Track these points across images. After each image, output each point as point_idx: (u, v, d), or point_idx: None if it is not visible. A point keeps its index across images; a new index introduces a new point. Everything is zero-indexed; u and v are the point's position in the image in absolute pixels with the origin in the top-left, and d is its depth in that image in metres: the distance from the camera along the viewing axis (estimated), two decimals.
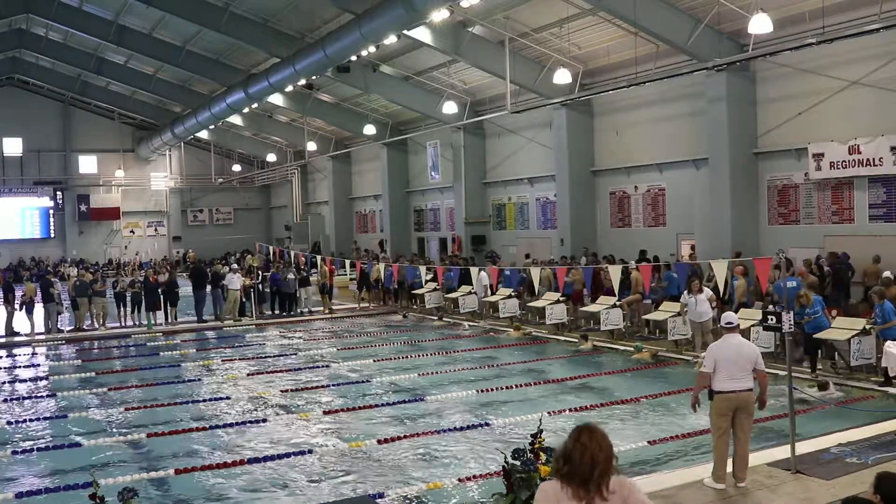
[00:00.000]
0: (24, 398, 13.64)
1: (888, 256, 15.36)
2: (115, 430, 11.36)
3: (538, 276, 19.36)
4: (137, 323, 22.24)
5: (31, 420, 12.03)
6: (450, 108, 25.23)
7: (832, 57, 16.55)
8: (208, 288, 23.40)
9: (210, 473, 9.12)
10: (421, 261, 27.79)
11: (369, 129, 31.13)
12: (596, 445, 4.01)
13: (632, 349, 16.00)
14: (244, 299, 23.30)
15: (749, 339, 14.16)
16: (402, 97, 28.48)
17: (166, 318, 22.49)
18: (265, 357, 17.43)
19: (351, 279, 26.12)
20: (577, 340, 17.30)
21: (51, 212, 45.10)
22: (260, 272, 25.73)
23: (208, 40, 29.15)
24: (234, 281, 22.88)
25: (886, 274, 13.97)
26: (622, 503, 3.98)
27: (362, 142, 35.60)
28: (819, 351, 14.12)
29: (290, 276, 24.39)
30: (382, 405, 12.29)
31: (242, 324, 22.62)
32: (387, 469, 9.23)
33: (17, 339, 20.61)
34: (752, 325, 14.08)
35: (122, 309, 22.43)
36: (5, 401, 13.49)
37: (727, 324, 7.98)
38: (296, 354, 17.60)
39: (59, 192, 45.14)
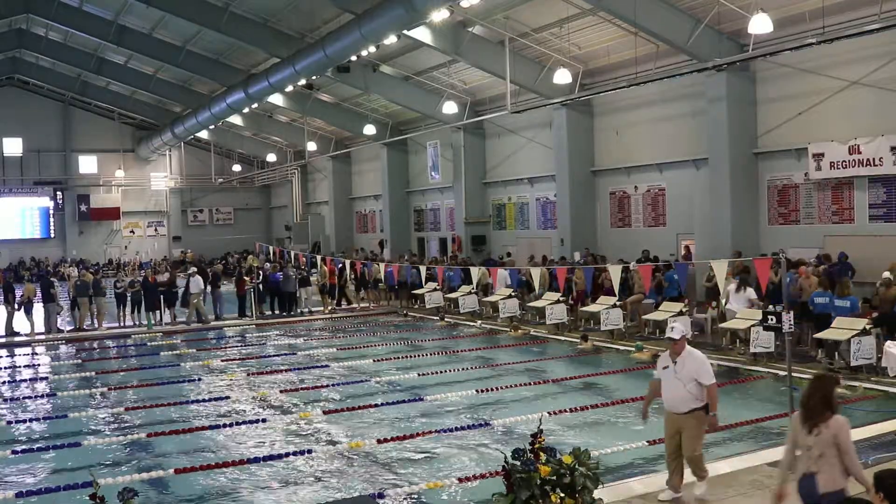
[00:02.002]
0: (24, 398, 13.63)
1: (888, 256, 15.32)
2: (115, 430, 11.37)
3: (538, 276, 19.36)
4: (137, 323, 22.25)
5: (31, 420, 12.03)
6: (450, 108, 25.23)
7: (832, 57, 16.54)
8: (209, 288, 23.42)
9: (210, 473, 9.11)
10: (422, 259, 27.82)
11: (369, 129, 31.13)
12: (810, 390, 5.58)
13: (632, 349, 16.01)
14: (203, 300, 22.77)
15: (749, 339, 14.30)
16: (402, 97, 28.47)
17: (184, 314, 22.52)
18: (265, 357, 17.43)
19: (350, 279, 26.12)
20: (577, 340, 17.31)
21: (51, 212, 45.09)
22: (260, 272, 25.74)
23: (208, 40, 29.15)
24: (194, 284, 22.34)
25: (886, 274, 13.95)
26: (832, 439, 5.38)
27: (362, 142, 35.60)
28: (819, 351, 14.18)
29: (291, 274, 24.39)
30: (382, 405, 12.29)
31: (242, 323, 22.63)
32: (387, 469, 9.23)
33: (17, 339, 20.61)
34: (753, 325, 14.10)
35: (122, 309, 22.43)
36: (5, 401, 13.50)
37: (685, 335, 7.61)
38: (296, 354, 17.61)
39: (59, 192, 45.14)
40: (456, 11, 19.87)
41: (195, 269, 24.26)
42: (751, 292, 15.03)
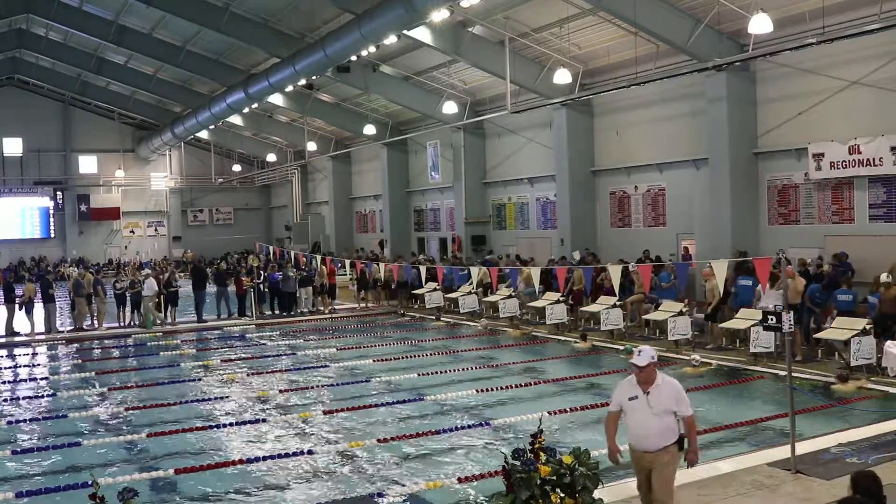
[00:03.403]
0: (25, 398, 13.64)
1: (888, 256, 15.33)
2: (115, 430, 11.37)
3: (537, 276, 19.36)
4: (137, 323, 22.24)
5: (31, 420, 12.03)
6: (450, 108, 25.22)
7: (832, 57, 16.54)
8: (209, 288, 23.43)
9: (210, 473, 9.12)
10: (422, 258, 27.82)
11: (369, 129, 31.13)
12: None
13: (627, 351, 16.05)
14: (157, 301, 22.24)
15: (749, 339, 14.30)
16: (402, 97, 28.47)
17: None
18: (265, 357, 17.43)
19: (351, 279, 26.15)
20: (577, 340, 17.32)
21: (51, 212, 45.08)
22: (261, 272, 25.74)
23: (208, 40, 29.15)
24: (147, 287, 21.71)
25: (883, 277, 13.94)
26: None
27: (362, 142, 35.60)
28: (819, 351, 14.22)
29: (291, 274, 24.39)
30: (382, 405, 12.30)
31: (242, 323, 22.63)
32: (387, 469, 9.24)
33: (17, 339, 20.60)
34: (753, 325, 14.11)
35: (122, 309, 22.41)
36: (5, 401, 13.50)
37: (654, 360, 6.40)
38: (295, 354, 17.61)
39: (59, 192, 45.13)
40: (456, 11, 19.86)
41: (149, 272, 24.00)
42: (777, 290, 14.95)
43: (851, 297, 14.28)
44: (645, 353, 6.35)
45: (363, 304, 25.45)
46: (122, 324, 22.33)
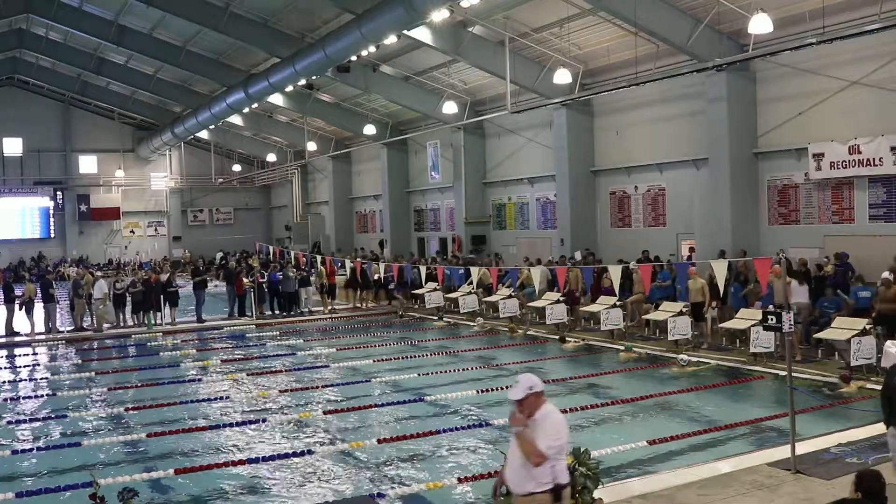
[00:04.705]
0: (25, 398, 13.64)
1: (888, 257, 15.31)
2: (115, 430, 11.37)
3: (538, 277, 19.37)
4: (136, 323, 22.23)
5: (31, 420, 12.03)
6: (450, 108, 25.23)
7: (832, 57, 16.55)
8: (217, 287, 23.40)
9: (210, 473, 9.11)
10: (422, 260, 27.84)
11: (369, 129, 31.14)
12: None
13: (622, 349, 16.08)
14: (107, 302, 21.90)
15: (749, 339, 14.25)
16: (402, 97, 28.48)
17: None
18: (265, 357, 17.43)
19: (343, 276, 26.08)
20: (576, 340, 17.34)
21: (51, 212, 45.09)
22: (262, 271, 25.73)
23: (208, 40, 29.16)
24: (97, 289, 21.43)
25: (885, 275, 13.95)
26: None
27: (362, 142, 35.61)
28: (819, 351, 14.22)
29: (291, 274, 24.38)
30: (382, 405, 12.30)
31: (242, 323, 22.63)
32: (387, 469, 9.24)
33: (17, 339, 20.60)
34: (753, 325, 14.11)
35: (121, 309, 22.36)
36: (5, 401, 13.49)
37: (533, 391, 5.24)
38: (296, 354, 17.61)
39: (59, 192, 45.13)
40: (456, 11, 19.87)
41: (101, 274, 23.77)
42: (805, 286, 14.98)
43: (870, 293, 14.27)
44: (521, 385, 5.21)
45: (363, 304, 25.42)
46: (121, 324, 22.30)
